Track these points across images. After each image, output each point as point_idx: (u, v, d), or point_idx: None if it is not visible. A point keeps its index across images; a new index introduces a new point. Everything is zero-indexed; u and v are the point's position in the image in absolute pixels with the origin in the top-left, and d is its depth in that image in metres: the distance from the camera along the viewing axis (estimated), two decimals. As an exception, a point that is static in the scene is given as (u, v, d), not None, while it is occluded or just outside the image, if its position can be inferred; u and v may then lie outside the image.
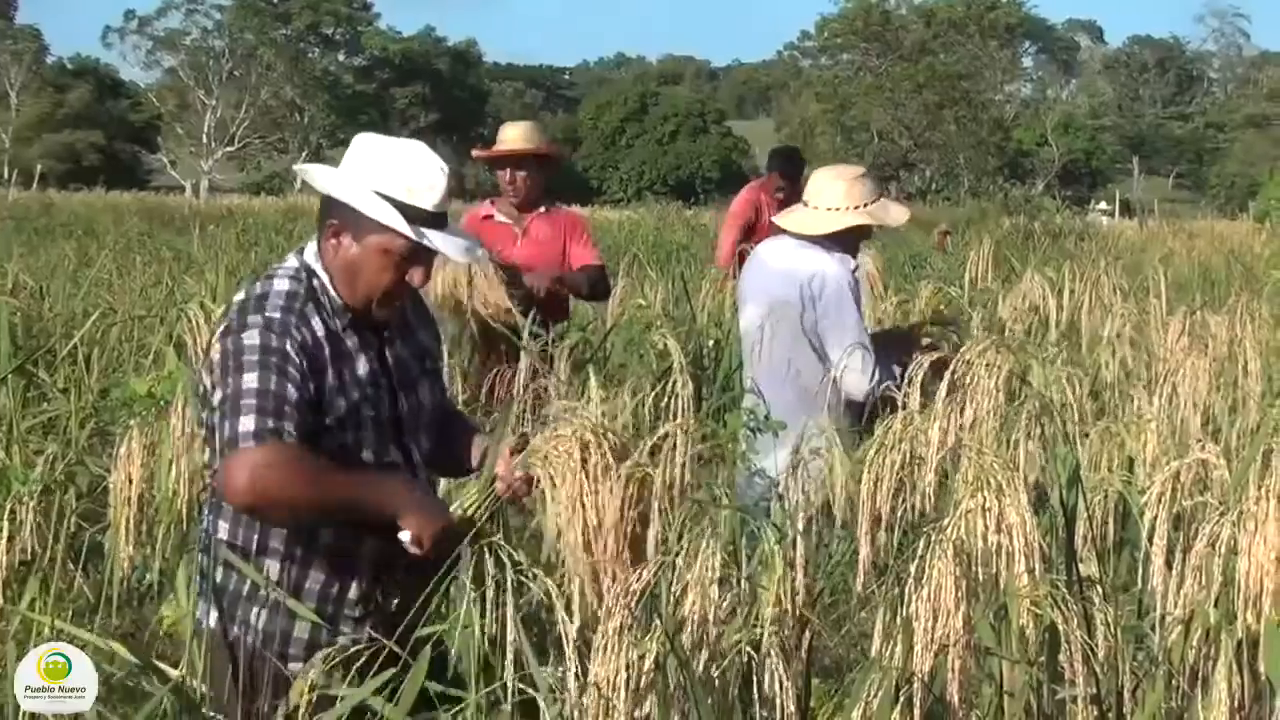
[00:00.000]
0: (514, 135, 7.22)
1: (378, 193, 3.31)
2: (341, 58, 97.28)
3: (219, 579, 3.44)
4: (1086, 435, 4.42)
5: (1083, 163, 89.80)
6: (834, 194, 5.76)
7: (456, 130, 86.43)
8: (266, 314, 3.27)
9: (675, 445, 3.34)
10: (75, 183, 55.65)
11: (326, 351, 3.31)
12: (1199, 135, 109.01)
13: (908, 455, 3.33)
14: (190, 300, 6.05)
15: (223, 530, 3.41)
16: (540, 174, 7.24)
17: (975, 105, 71.90)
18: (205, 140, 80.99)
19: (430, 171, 3.35)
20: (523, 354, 6.22)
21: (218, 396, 3.21)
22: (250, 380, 3.18)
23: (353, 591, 3.41)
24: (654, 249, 20.94)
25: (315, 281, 3.38)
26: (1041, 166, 78.89)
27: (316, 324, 3.32)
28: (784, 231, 5.87)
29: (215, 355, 3.27)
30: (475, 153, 7.84)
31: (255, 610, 3.40)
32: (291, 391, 3.18)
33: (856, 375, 5.53)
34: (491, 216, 7.24)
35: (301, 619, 3.38)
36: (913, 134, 70.91)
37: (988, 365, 3.57)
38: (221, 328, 3.32)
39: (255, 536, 3.38)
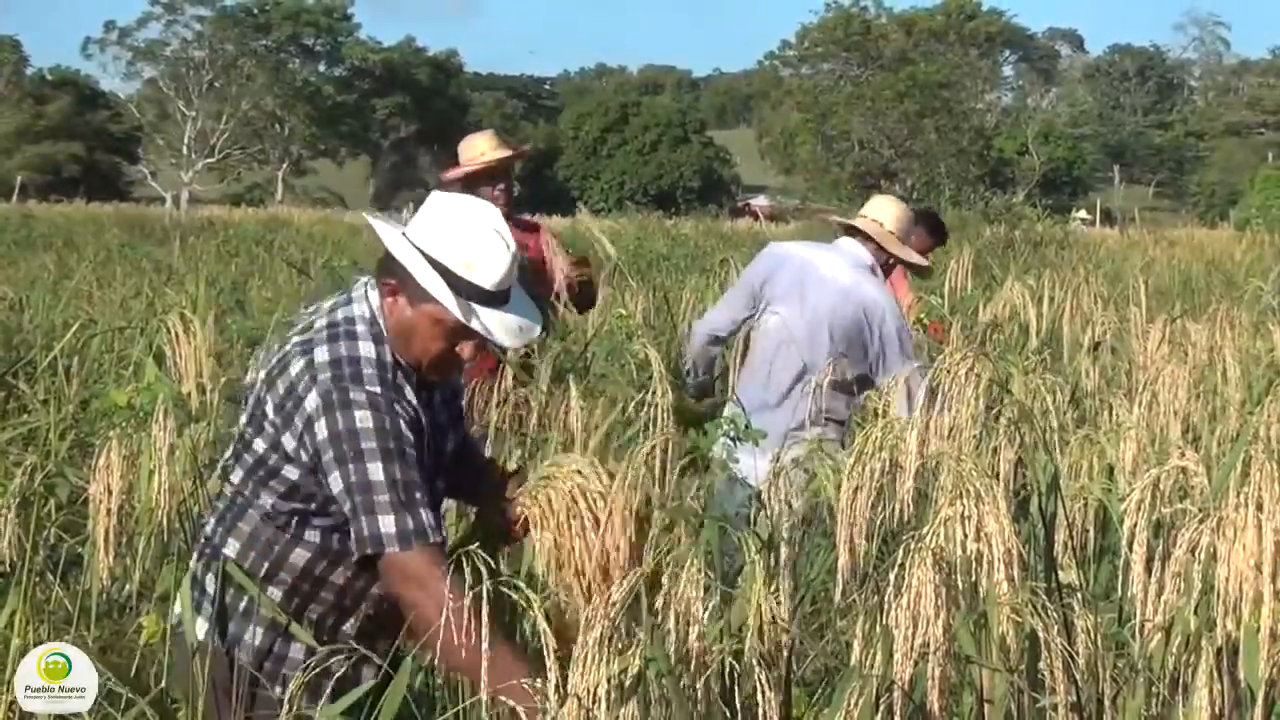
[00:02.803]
0: (487, 147, 7.07)
1: (435, 260, 3.24)
2: (322, 68, 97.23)
3: (212, 592, 3.44)
4: (1066, 443, 4.43)
5: (1064, 171, 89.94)
6: (904, 228, 6.10)
7: (437, 140, 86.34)
8: (368, 388, 3.20)
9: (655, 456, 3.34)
10: (55, 194, 55.50)
11: (423, 419, 3.30)
12: (1179, 143, 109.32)
13: (887, 463, 3.33)
14: (170, 311, 6.04)
15: (231, 548, 3.39)
16: (508, 175, 7.15)
17: (956, 114, 71.93)
18: (186, 151, 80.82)
19: (494, 249, 3.24)
20: (504, 364, 6.20)
21: (337, 483, 3.15)
22: (376, 471, 3.13)
23: (348, 626, 3.39)
24: (635, 259, 20.94)
25: (386, 343, 3.32)
26: (1022, 175, 78.91)
27: (409, 393, 3.29)
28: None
29: (321, 432, 3.18)
30: (448, 175, 7.59)
31: (251, 628, 3.39)
32: (416, 475, 3.16)
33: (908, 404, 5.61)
34: None
35: (297, 640, 3.37)
36: (893, 143, 70.92)
37: (967, 373, 3.58)
38: (318, 396, 3.20)
39: (266, 565, 3.36)
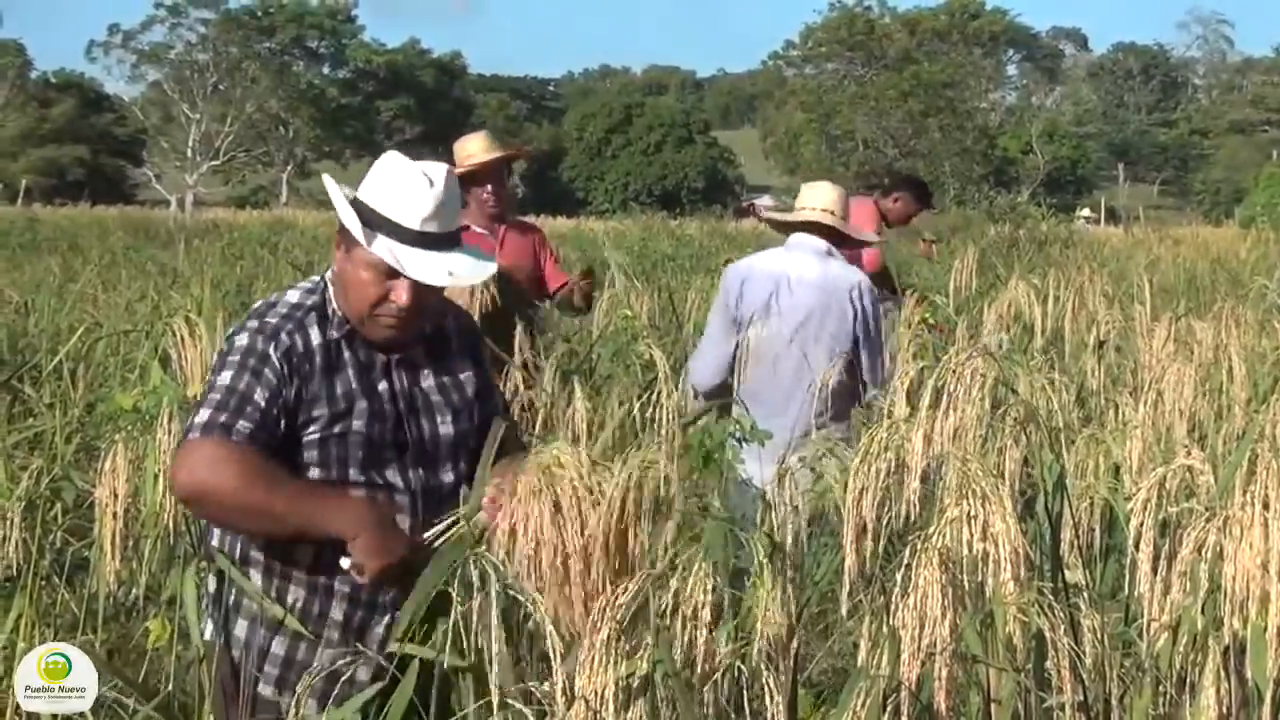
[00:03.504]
0: (478, 148, 7.07)
1: (360, 201, 3.32)
2: (326, 70, 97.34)
3: (211, 588, 3.45)
4: (1072, 442, 4.42)
5: (1068, 170, 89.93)
6: (845, 206, 6.23)
7: (442, 142, 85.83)
8: (265, 319, 3.32)
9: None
10: (60, 197, 55.58)
11: (317, 360, 3.30)
12: (1184, 142, 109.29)
13: (893, 464, 3.32)
14: (176, 314, 6.04)
15: (214, 536, 3.42)
16: (507, 182, 7.21)
17: (960, 113, 71.91)
18: (190, 154, 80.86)
19: (416, 187, 3.29)
20: (510, 365, 6.20)
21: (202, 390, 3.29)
22: (224, 378, 3.23)
23: (335, 612, 3.37)
24: (639, 259, 20.94)
25: (327, 294, 3.40)
26: (1026, 174, 78.92)
27: (314, 333, 3.33)
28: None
29: (214, 359, 3.36)
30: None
31: (239, 622, 3.40)
32: (259, 393, 3.21)
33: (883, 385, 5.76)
34: (468, 227, 7.17)
35: (280, 635, 3.36)
36: (898, 142, 70.91)
37: (973, 373, 3.57)
38: (232, 329, 3.39)
39: (239, 546, 3.38)
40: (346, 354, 3.36)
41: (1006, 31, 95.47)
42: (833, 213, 6.20)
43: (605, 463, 3.03)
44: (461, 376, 3.55)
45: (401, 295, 3.30)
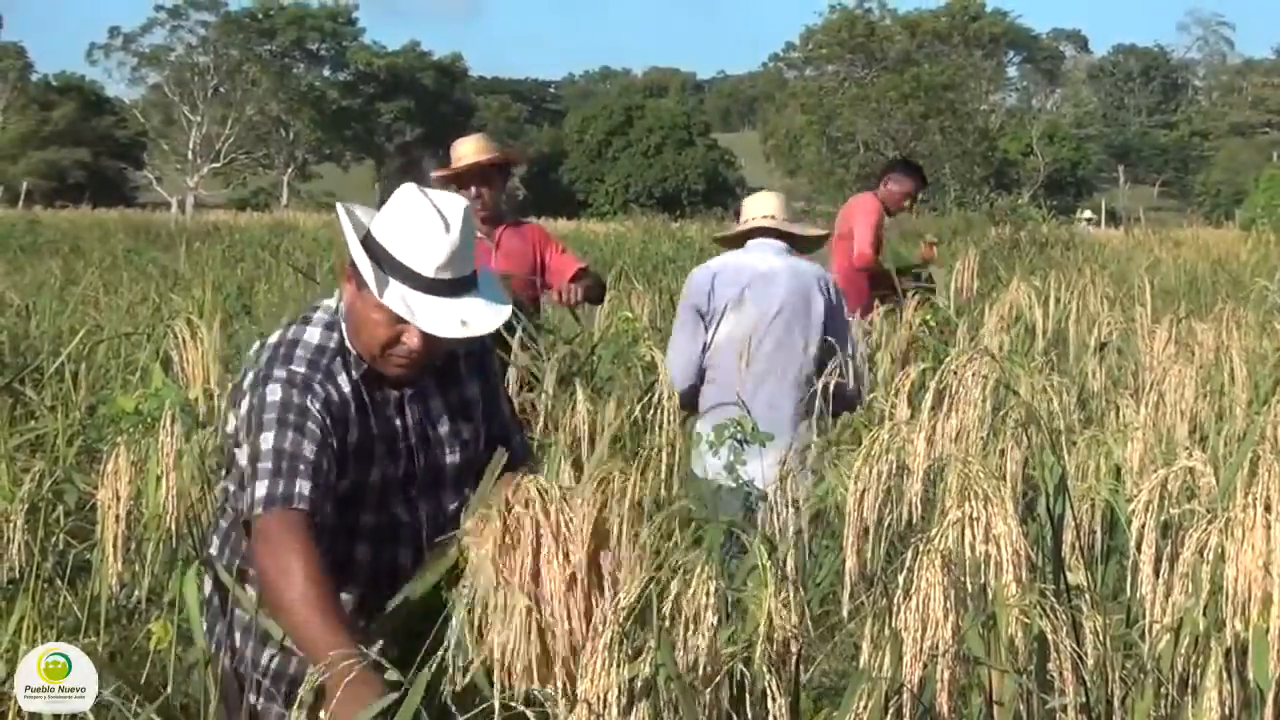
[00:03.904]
0: (470, 150, 7.08)
1: (376, 243, 3.21)
2: (327, 73, 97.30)
3: (206, 594, 3.45)
4: (1074, 444, 4.42)
5: (1068, 172, 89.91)
6: (786, 209, 6.46)
7: (442, 144, 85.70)
8: (291, 368, 3.23)
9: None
10: (61, 200, 55.58)
11: (351, 409, 3.25)
12: (1184, 143, 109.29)
13: (894, 465, 3.33)
14: (177, 317, 6.04)
15: (214, 548, 3.42)
16: (502, 185, 7.21)
17: (960, 115, 71.91)
18: (191, 156, 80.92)
19: (431, 233, 3.18)
20: (510, 368, 6.20)
21: (243, 455, 3.18)
22: (268, 440, 3.13)
23: None
24: (640, 261, 20.96)
25: (345, 331, 3.32)
26: (1027, 176, 78.89)
27: (342, 380, 3.26)
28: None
29: (243, 407, 3.23)
30: (435, 174, 7.64)
31: (232, 633, 3.39)
32: (308, 449, 3.12)
33: (865, 379, 5.94)
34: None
35: (269, 648, 3.33)
36: (898, 144, 70.85)
37: (974, 375, 3.57)
38: (251, 374, 3.27)
39: (238, 562, 3.37)
40: (365, 396, 3.30)
41: (1007, 33, 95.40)
42: (773, 216, 6.38)
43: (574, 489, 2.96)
44: (469, 398, 3.50)
45: (413, 339, 3.21)
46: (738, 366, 6.02)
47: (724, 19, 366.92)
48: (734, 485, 5.20)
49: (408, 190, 3.27)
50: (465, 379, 3.50)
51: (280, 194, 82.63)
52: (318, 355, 3.26)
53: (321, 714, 2.98)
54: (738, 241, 6.45)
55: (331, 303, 3.39)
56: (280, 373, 3.21)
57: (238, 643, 3.38)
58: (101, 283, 13.75)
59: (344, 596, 3.18)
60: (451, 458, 3.43)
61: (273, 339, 3.33)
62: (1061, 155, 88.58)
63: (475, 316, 3.23)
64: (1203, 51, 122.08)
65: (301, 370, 3.22)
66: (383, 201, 3.35)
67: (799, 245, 6.45)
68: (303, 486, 3.08)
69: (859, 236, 9.64)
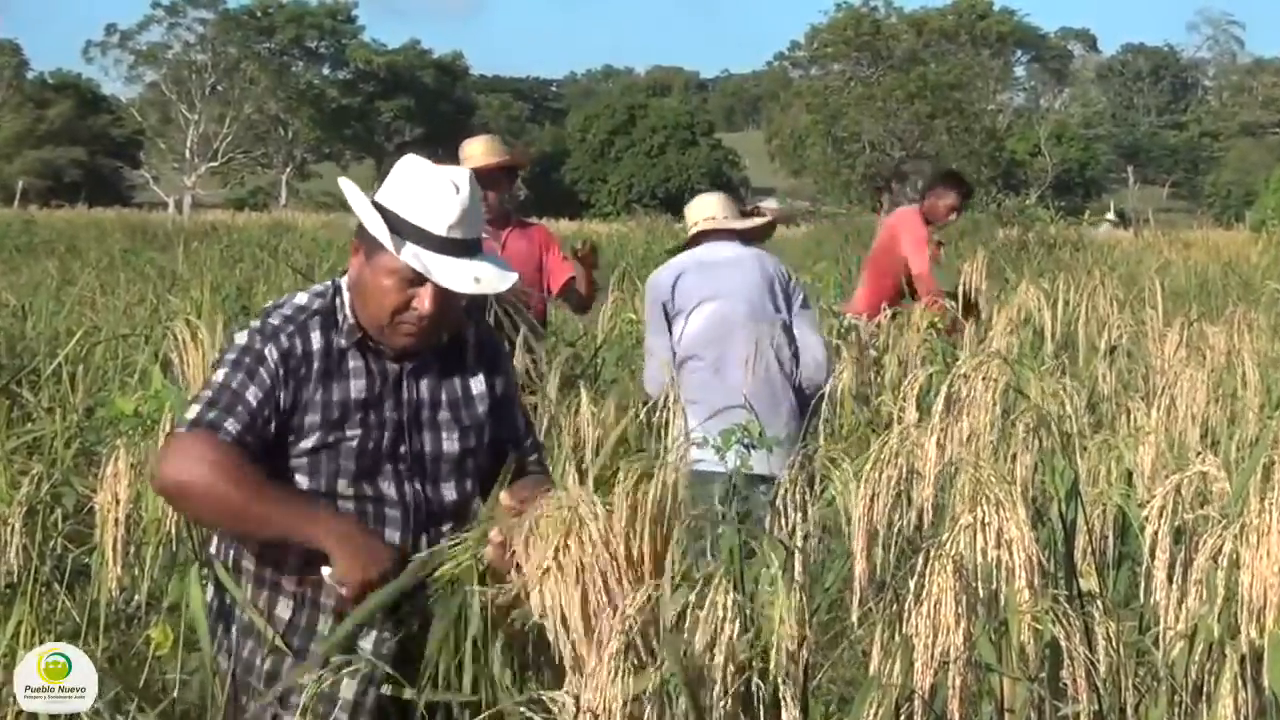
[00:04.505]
0: (478, 152, 7.14)
1: (384, 207, 3.29)
2: (326, 71, 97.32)
3: (209, 596, 3.45)
4: (1085, 448, 4.42)
5: (1077, 172, 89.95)
6: (728, 206, 6.63)
7: (443, 144, 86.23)
8: (267, 320, 3.32)
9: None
10: (57, 199, 55.53)
11: (315, 365, 3.28)
12: (1194, 144, 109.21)
13: (904, 470, 3.32)
14: (175, 318, 6.04)
15: (213, 544, 3.42)
16: (510, 187, 7.28)
17: (967, 115, 71.96)
18: (188, 155, 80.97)
19: (443, 194, 3.26)
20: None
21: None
22: (219, 376, 3.25)
23: (322, 626, 3.32)
24: (644, 263, 20.95)
25: (338, 299, 3.37)
26: (1035, 176, 78.96)
27: (315, 337, 3.31)
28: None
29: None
30: None
31: (230, 630, 3.40)
32: (252, 393, 3.21)
33: (826, 367, 6.26)
34: None
35: (264, 648, 3.33)
36: (904, 144, 70.97)
37: (984, 379, 3.57)
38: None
39: (231, 553, 3.38)
40: (353, 363, 3.33)
41: (1014, 32, 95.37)
42: (713, 218, 6.54)
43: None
44: (474, 391, 3.50)
45: (425, 302, 3.27)
46: (712, 359, 6.18)
47: (728, 17, 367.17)
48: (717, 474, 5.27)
49: (410, 159, 3.39)
50: (471, 369, 3.51)
51: (279, 194, 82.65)
52: (296, 312, 3.35)
53: (327, 571, 3.14)
54: (690, 245, 6.60)
55: (329, 281, 3.48)
56: (255, 323, 3.33)
57: (233, 644, 3.38)
58: (98, 283, 13.76)
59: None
60: (449, 445, 3.44)
61: (269, 304, 3.45)
62: (1070, 156, 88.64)
63: (487, 275, 3.31)
64: (1213, 51, 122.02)
65: (275, 322, 3.32)
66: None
67: (748, 238, 6.57)
68: (231, 425, 3.18)
69: (915, 262, 9.52)
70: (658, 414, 5.03)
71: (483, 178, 6.90)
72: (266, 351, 3.25)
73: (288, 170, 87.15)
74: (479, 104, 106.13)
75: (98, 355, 8.04)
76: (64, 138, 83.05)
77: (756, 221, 6.64)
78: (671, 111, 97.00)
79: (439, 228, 3.24)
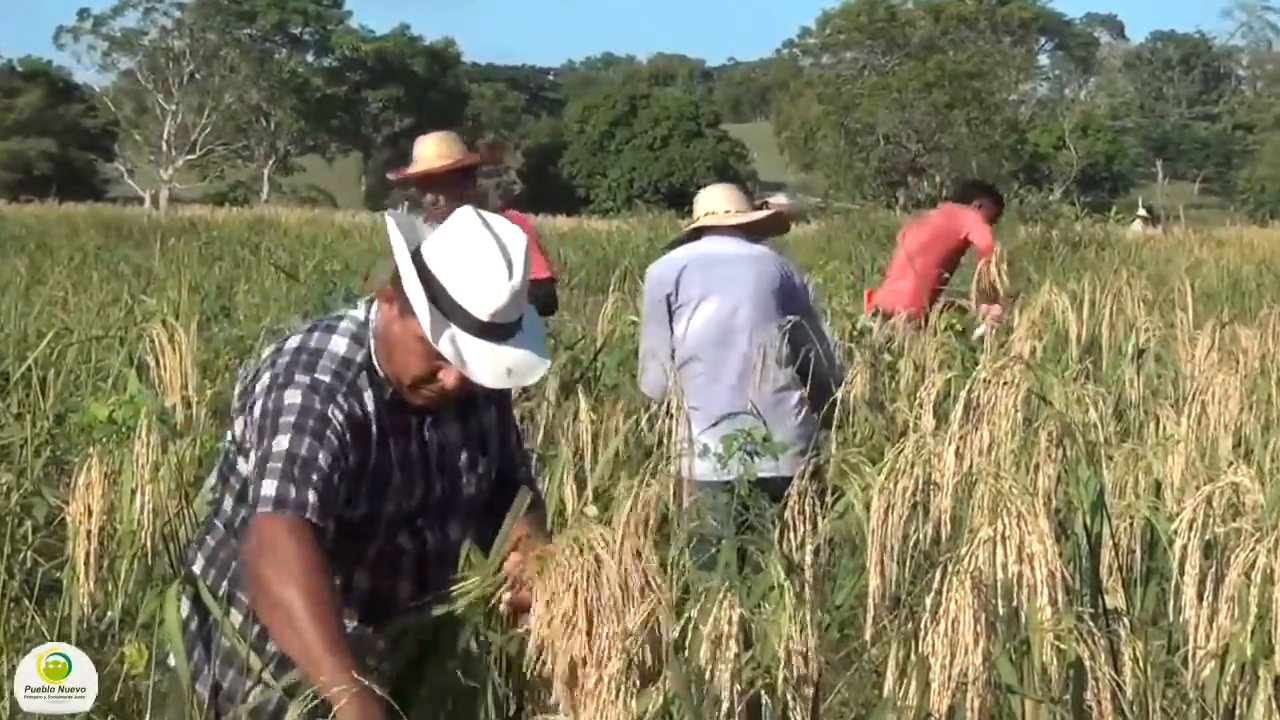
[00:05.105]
0: (429, 153, 6.90)
1: (432, 276, 3.16)
2: (310, 59, 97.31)
3: (184, 615, 3.44)
4: (1111, 458, 4.43)
5: (1103, 167, 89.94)
6: (737, 198, 6.63)
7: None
8: (316, 375, 3.20)
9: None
10: (26, 193, 55.58)
11: (373, 429, 3.23)
12: (1226, 137, 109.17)
13: (920, 481, 3.33)
14: (152, 319, 6.06)
15: (198, 565, 3.41)
16: (471, 185, 7.00)
17: (988, 106, 71.87)
18: (165, 147, 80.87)
19: (493, 277, 3.15)
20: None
21: (254, 456, 3.15)
22: (282, 443, 3.11)
23: None
24: (646, 261, 20.94)
25: (373, 346, 3.29)
26: (1059, 171, 78.93)
27: (368, 399, 3.24)
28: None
29: (256, 411, 3.20)
30: (390, 175, 7.46)
31: (211, 658, 3.39)
32: (323, 459, 3.10)
33: (837, 371, 6.26)
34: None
35: (250, 679, 3.29)
36: (921, 137, 70.87)
37: (1005, 384, 3.58)
38: (268, 377, 3.24)
39: (225, 583, 3.35)
40: (387, 421, 3.27)
41: (1038, 18, 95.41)
42: (714, 213, 6.53)
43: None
44: (486, 427, 3.49)
45: (450, 379, 3.19)
46: (712, 363, 6.20)
47: (735, 2, 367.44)
48: (722, 485, 5.30)
49: (469, 219, 3.22)
50: (482, 406, 3.49)
51: (260, 188, 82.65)
52: (343, 368, 3.24)
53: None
54: (692, 238, 6.61)
55: (359, 314, 3.36)
56: (304, 378, 3.20)
57: (215, 671, 3.37)
58: (70, 282, 13.78)
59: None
60: (467, 489, 3.43)
61: (292, 343, 3.31)
62: (1096, 149, 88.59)
63: (520, 366, 3.21)
64: (1247, 39, 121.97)
65: (326, 379, 3.20)
66: (369, 195, 3.34)
67: (755, 234, 6.57)
68: (312, 496, 3.06)
69: (983, 240, 9.80)
70: (659, 421, 5.04)
71: (435, 180, 6.83)
72: (330, 414, 3.15)
73: (270, 163, 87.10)
74: (472, 94, 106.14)
75: (69, 358, 8.04)
76: (33, 129, 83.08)
77: (758, 215, 6.62)
78: (675, 102, 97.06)
79: (482, 313, 3.14)
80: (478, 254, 3.15)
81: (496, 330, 3.15)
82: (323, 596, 2.98)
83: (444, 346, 3.12)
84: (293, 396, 3.17)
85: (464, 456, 3.42)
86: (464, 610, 3.16)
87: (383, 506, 3.27)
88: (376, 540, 3.30)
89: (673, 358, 6.26)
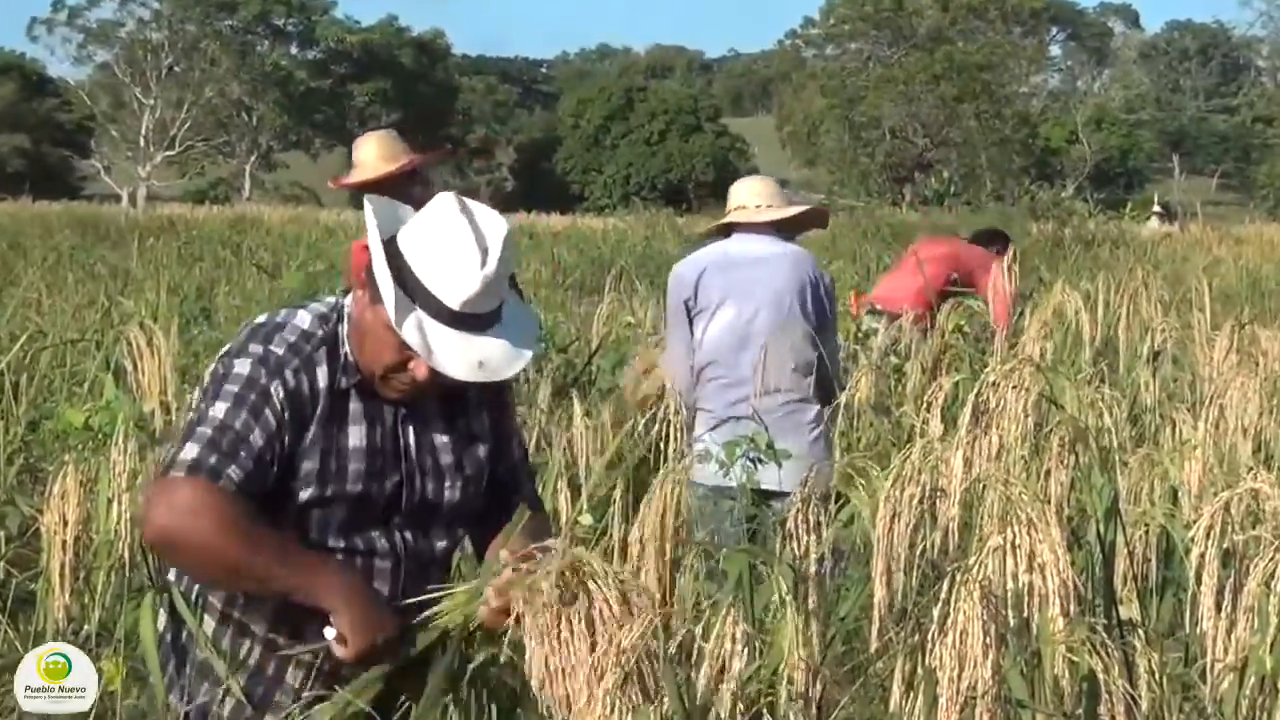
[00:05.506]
0: (369, 157, 6.62)
1: (405, 262, 3.15)
2: (294, 51, 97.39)
3: (161, 627, 3.43)
4: (1125, 464, 4.43)
5: (1117, 162, 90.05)
6: (773, 192, 6.58)
7: (423, 131, 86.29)
8: (270, 347, 3.21)
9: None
10: (-2, 192, 55.64)
11: (320, 406, 3.22)
12: (1246, 130, 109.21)
13: (928, 488, 3.33)
14: (129, 321, 6.06)
15: (173, 572, 3.40)
16: (421, 185, 6.66)
17: (998, 99, 72.01)
18: (143, 143, 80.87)
19: (466, 260, 3.12)
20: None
21: (189, 417, 3.20)
22: (219, 410, 3.13)
23: (290, 678, 3.32)
24: (643, 261, 20.98)
25: (342, 328, 3.28)
26: (1072, 166, 79.06)
27: (321, 374, 3.23)
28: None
29: (206, 375, 3.25)
30: (331, 184, 7.30)
31: (185, 671, 3.38)
32: (257, 436, 3.12)
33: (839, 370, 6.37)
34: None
35: (229, 694, 3.30)
36: (928, 131, 71.00)
37: (1015, 387, 3.58)
38: (228, 346, 3.28)
39: (196, 587, 3.35)
40: (354, 405, 3.27)
41: (1049, 8, 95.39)
42: (744, 207, 6.49)
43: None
44: (476, 431, 3.45)
45: (420, 371, 3.17)
46: (732, 365, 6.19)
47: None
48: (730, 495, 5.31)
49: (447, 205, 3.20)
50: (474, 408, 3.46)
51: (242, 185, 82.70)
52: (302, 340, 3.25)
53: (330, 633, 3.12)
54: (722, 234, 6.58)
55: (334, 298, 3.38)
56: (257, 349, 3.22)
57: (189, 685, 3.36)
58: (44, 284, 13.76)
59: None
60: (450, 494, 3.40)
61: (262, 317, 3.33)
62: (1110, 143, 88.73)
63: (494, 359, 3.18)
64: (1267, 28, 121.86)
65: (279, 351, 3.21)
66: (354, 194, 3.34)
67: (790, 229, 6.56)
68: (235, 471, 3.09)
69: (999, 309, 9.81)
70: (657, 426, 5.05)
71: (379, 188, 6.35)
72: (273, 389, 3.16)
73: (252, 160, 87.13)
74: (462, 87, 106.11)
75: (43, 362, 8.03)
76: (6, 124, 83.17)
77: (790, 211, 6.56)
78: (673, 95, 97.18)
79: (453, 300, 3.11)
80: (451, 240, 3.14)
81: (470, 320, 3.13)
82: (254, 523, 3.09)
83: (408, 333, 3.10)
84: (241, 366, 3.20)
85: (449, 459, 3.40)
86: (445, 629, 3.15)
87: (342, 489, 3.25)
88: (336, 529, 3.28)
89: (692, 362, 6.27)
